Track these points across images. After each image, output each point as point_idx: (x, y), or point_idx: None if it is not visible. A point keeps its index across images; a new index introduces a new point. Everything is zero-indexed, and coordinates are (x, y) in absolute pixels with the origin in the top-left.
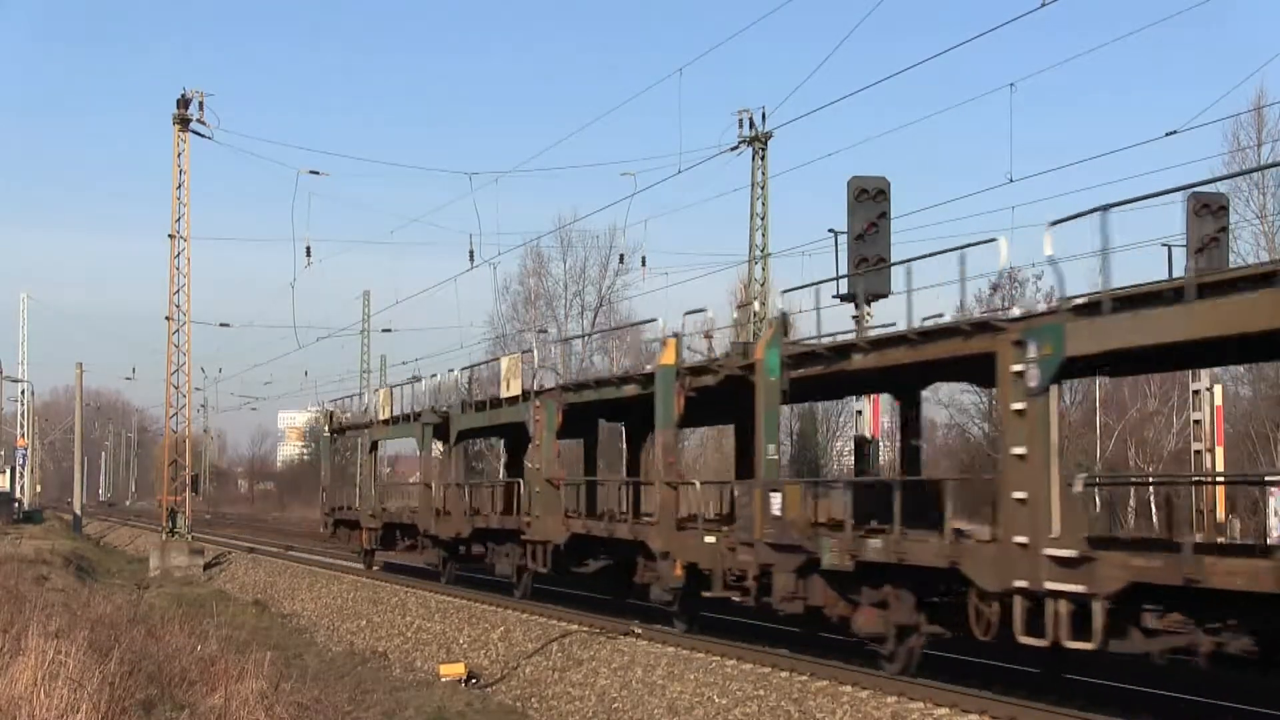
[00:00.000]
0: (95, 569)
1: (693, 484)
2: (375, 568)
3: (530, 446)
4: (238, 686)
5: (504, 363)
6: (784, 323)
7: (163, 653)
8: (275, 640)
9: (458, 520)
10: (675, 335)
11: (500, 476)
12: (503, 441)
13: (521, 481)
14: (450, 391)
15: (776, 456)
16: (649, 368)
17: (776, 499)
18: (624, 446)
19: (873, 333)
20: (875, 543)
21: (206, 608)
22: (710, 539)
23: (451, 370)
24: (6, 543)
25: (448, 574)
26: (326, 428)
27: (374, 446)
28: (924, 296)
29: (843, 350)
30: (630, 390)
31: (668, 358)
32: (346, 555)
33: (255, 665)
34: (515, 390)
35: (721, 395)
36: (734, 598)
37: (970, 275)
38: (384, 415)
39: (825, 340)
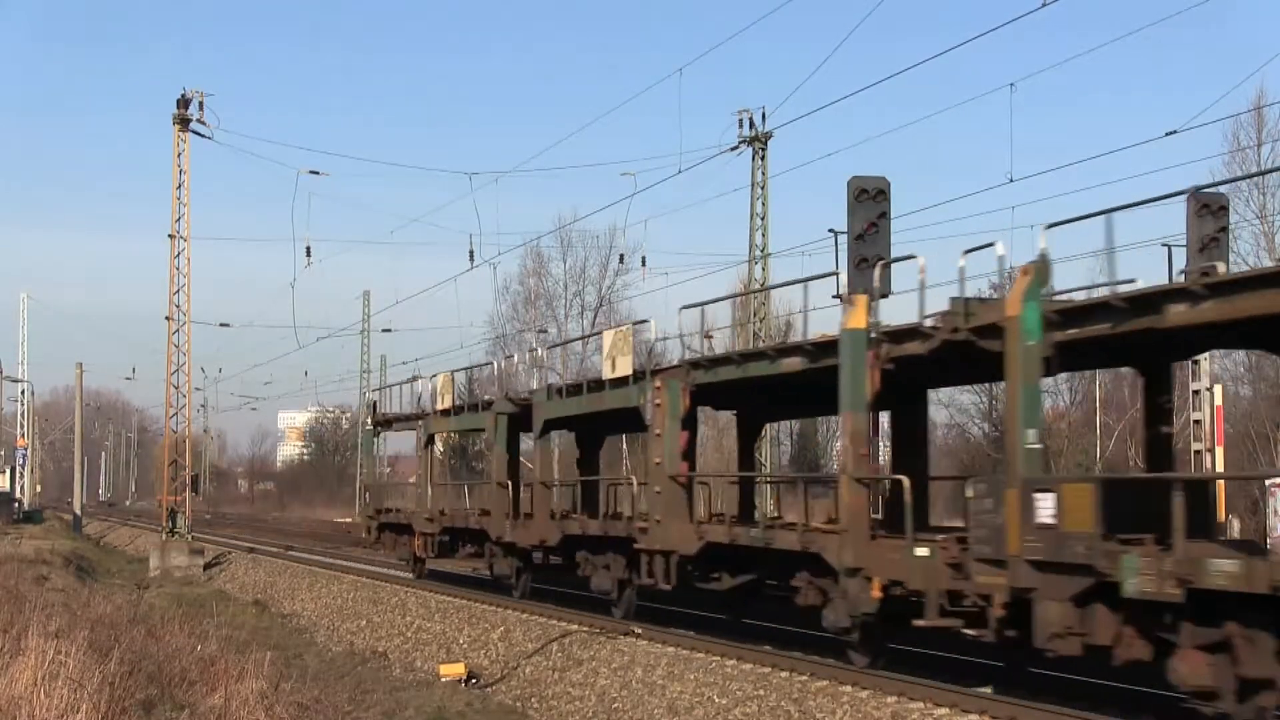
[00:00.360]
0: (95, 569)
1: (898, 481)
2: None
3: (648, 437)
4: (238, 686)
5: (608, 338)
6: (1044, 266)
7: (163, 653)
8: (275, 640)
9: (542, 525)
10: (865, 291)
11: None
12: (574, 436)
13: (626, 481)
14: (512, 376)
15: (1040, 445)
16: (824, 334)
17: (1046, 502)
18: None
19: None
20: (1224, 564)
21: (206, 608)
22: (923, 552)
23: (534, 349)
24: (6, 543)
25: (522, 587)
26: (368, 420)
27: (430, 440)
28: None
29: (1149, 302)
30: (792, 364)
31: (856, 319)
32: (356, 556)
33: (255, 665)
34: (624, 369)
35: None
36: (963, 630)
37: (971, 275)
38: (443, 404)
39: (1125, 288)
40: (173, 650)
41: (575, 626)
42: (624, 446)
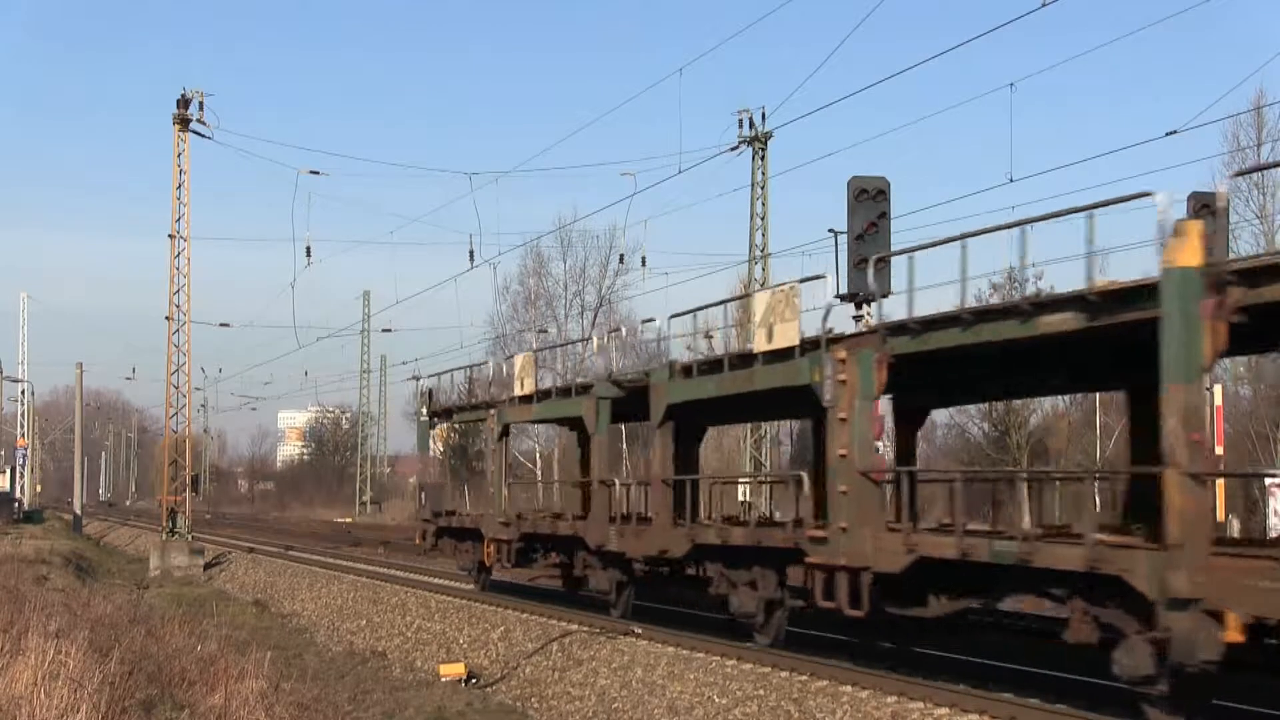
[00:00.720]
0: (95, 569)
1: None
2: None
3: (831, 422)
4: (238, 686)
5: (760, 301)
6: None
7: (163, 653)
8: (275, 640)
9: (663, 532)
10: (1198, 213)
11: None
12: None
13: (797, 478)
14: (611, 351)
15: None
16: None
17: None
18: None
19: None
20: None
21: (206, 608)
22: None
23: (652, 319)
24: (6, 543)
25: (623, 605)
26: (423, 409)
27: (505, 431)
28: (925, 295)
29: None
30: (1058, 322)
31: (1187, 253)
32: (358, 557)
33: (255, 665)
34: (786, 339)
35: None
36: None
37: (971, 275)
38: (523, 389)
39: None
40: (173, 650)
41: (575, 626)
42: (624, 445)
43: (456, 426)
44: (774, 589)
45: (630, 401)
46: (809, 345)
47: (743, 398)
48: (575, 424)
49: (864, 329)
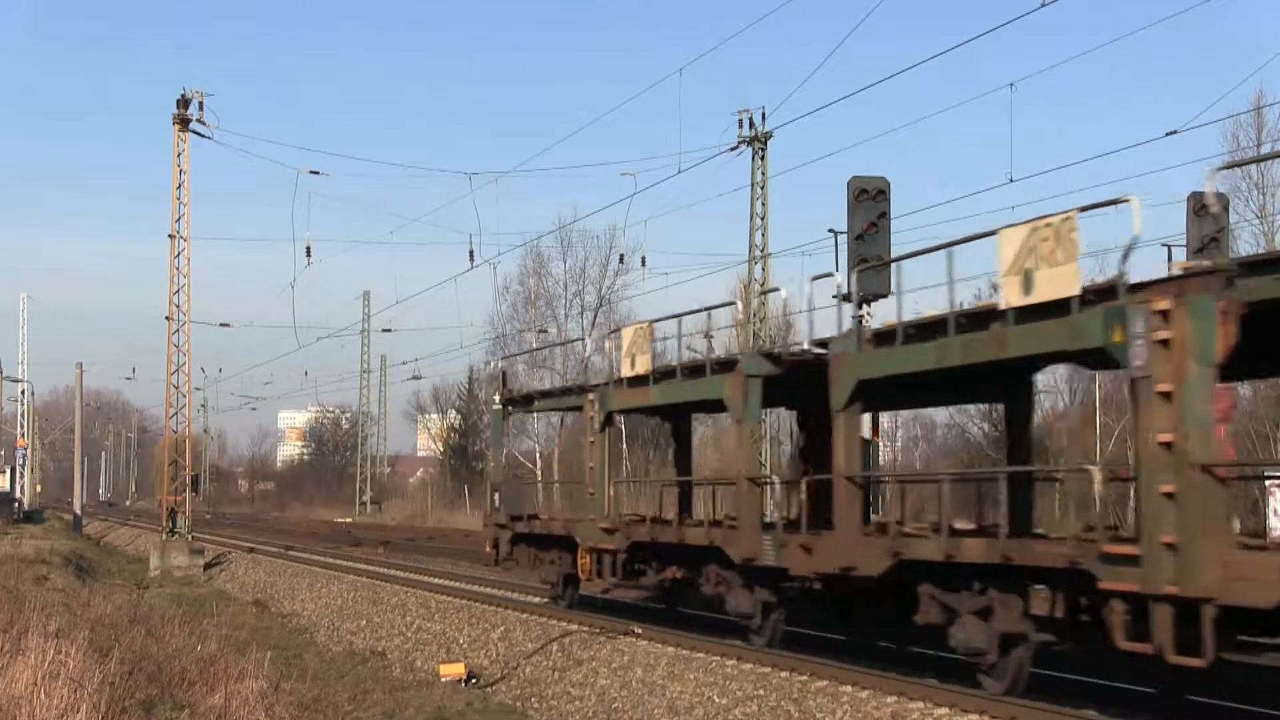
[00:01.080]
0: (95, 569)
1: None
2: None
3: (1143, 397)
4: (238, 686)
5: (1010, 239)
6: None
7: (163, 653)
8: (275, 640)
9: (849, 543)
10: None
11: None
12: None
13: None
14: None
15: None
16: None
17: None
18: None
19: None
20: None
21: (206, 608)
22: None
23: (822, 276)
24: (6, 543)
25: (770, 632)
26: (496, 397)
27: (609, 420)
28: (925, 295)
29: None
30: None
31: None
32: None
33: (255, 665)
34: (1056, 289)
35: None
36: None
37: (969, 275)
38: (634, 369)
39: None
40: (173, 650)
41: (575, 626)
42: (623, 445)
43: (456, 425)
44: (1017, 620)
45: (785, 381)
46: (1096, 296)
47: (988, 368)
48: (699, 410)
49: (1197, 267)
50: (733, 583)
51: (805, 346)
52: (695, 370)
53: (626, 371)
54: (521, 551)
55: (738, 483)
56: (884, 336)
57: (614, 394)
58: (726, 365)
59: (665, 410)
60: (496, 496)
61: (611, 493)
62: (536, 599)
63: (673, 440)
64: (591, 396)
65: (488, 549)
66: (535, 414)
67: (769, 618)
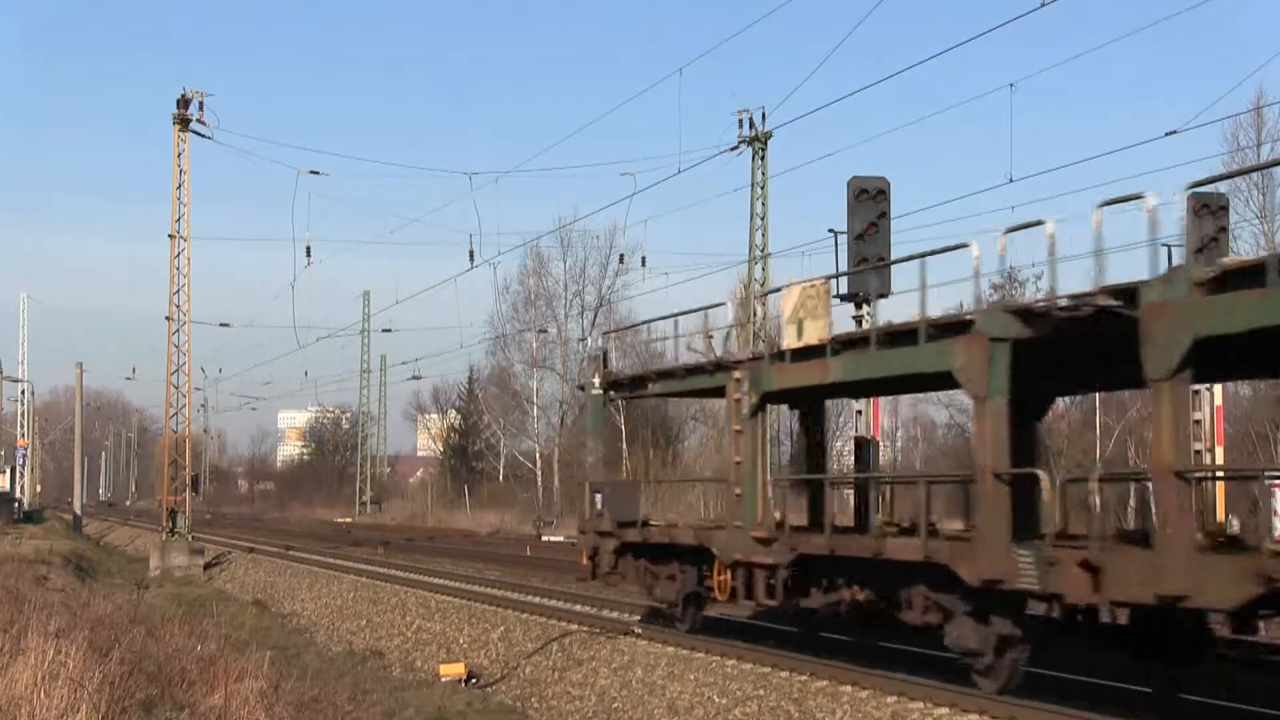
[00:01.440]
0: (95, 569)
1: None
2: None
3: None
4: (238, 686)
5: None
6: None
7: (163, 653)
8: (275, 640)
9: (1179, 562)
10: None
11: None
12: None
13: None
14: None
15: None
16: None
17: None
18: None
19: None
20: None
21: (206, 608)
22: None
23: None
24: (6, 543)
25: (1005, 674)
26: (595, 379)
27: (761, 404)
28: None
29: None
30: None
31: None
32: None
33: (255, 665)
34: None
35: None
36: None
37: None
38: (801, 338)
39: None
40: (173, 650)
41: (575, 626)
42: (623, 445)
43: (456, 425)
44: None
45: (1051, 344)
46: None
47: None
48: (893, 391)
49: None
50: (954, 610)
51: (1118, 289)
52: (894, 336)
53: (791, 342)
54: (629, 565)
55: (981, 479)
56: (1219, 281)
57: (771, 371)
58: (955, 327)
59: (847, 389)
60: (598, 499)
61: (770, 495)
62: (627, 615)
63: (802, 434)
64: (738, 375)
65: (584, 560)
66: (645, 399)
67: (1004, 655)
